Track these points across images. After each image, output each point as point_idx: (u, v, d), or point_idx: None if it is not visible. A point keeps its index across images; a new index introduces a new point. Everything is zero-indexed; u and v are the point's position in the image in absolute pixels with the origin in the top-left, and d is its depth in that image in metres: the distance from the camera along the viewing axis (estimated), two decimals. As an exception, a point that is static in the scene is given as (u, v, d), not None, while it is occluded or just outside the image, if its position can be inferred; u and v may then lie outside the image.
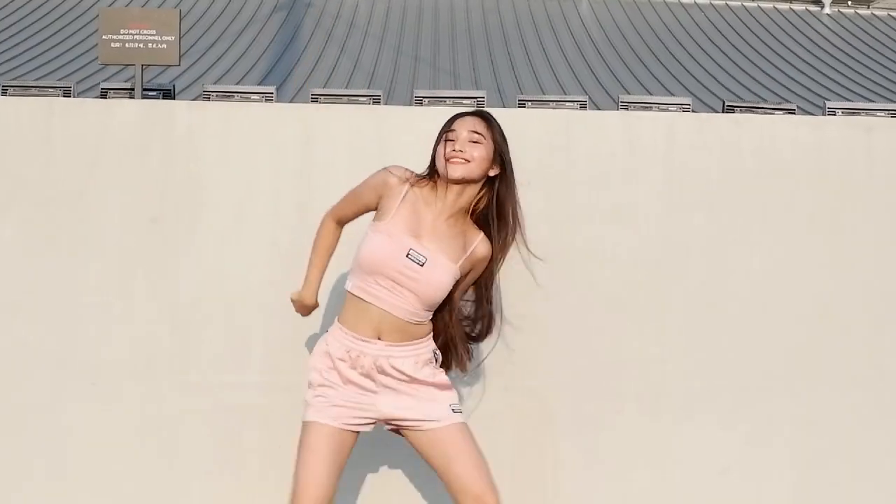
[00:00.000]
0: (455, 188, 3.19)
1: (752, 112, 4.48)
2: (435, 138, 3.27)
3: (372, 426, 3.26)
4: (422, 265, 3.13)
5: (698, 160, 4.12)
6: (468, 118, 3.23)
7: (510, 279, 4.02)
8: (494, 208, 3.24)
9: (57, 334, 4.03)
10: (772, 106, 4.69)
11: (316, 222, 4.03)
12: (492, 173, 3.22)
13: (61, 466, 4.00)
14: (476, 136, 3.18)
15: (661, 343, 4.08)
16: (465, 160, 3.15)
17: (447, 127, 3.23)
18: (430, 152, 3.27)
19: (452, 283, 3.20)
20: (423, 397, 3.19)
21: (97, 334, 4.02)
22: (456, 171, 3.15)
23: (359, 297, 3.20)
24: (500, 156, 3.22)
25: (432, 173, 3.25)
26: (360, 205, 3.34)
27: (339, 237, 3.42)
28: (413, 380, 3.19)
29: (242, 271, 4.05)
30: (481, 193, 3.25)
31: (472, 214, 3.27)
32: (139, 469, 3.99)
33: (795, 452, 4.09)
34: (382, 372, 3.19)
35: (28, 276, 4.02)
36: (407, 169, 3.27)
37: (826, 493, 4.09)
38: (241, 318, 4.03)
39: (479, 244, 3.25)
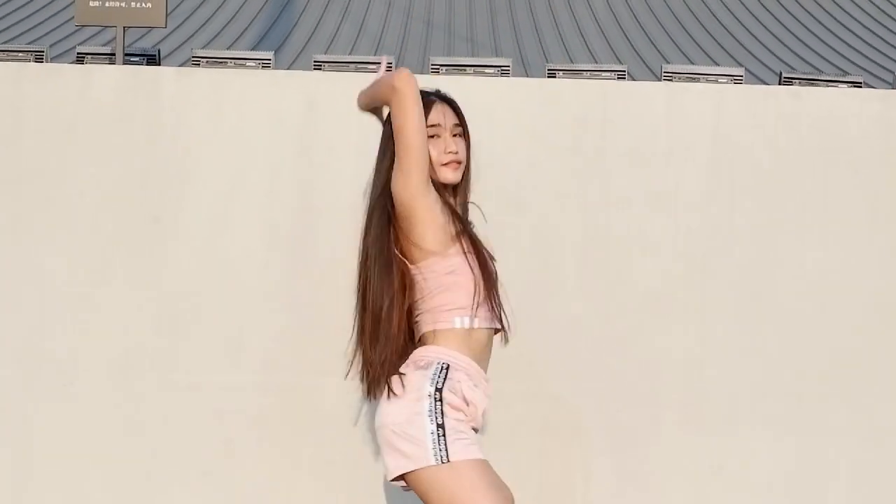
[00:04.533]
0: (450, 188, 3.09)
1: (813, 85, 4.45)
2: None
3: None
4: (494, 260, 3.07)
5: (750, 138, 4.10)
6: (446, 109, 3.12)
7: (534, 272, 4.01)
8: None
9: (26, 328, 4.03)
10: (834, 78, 4.66)
11: (318, 203, 4.04)
12: None
13: (30, 474, 4.01)
14: (458, 129, 3.11)
15: (705, 344, 4.06)
16: (459, 162, 3.06)
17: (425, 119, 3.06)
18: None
19: None
20: None
21: (71, 328, 4.03)
22: (454, 175, 3.05)
23: (480, 328, 3.03)
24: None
25: None
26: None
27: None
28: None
29: (235, 258, 4.05)
30: None
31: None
32: (117, 478, 4.00)
33: (855, 467, 4.07)
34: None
35: (-5, 262, 4.04)
36: None
37: (891, 516, 4.08)
38: (233, 311, 4.03)
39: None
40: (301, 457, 4.01)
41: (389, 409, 2.93)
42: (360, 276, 3.06)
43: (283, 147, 4.06)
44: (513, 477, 3.80)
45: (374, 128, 4.04)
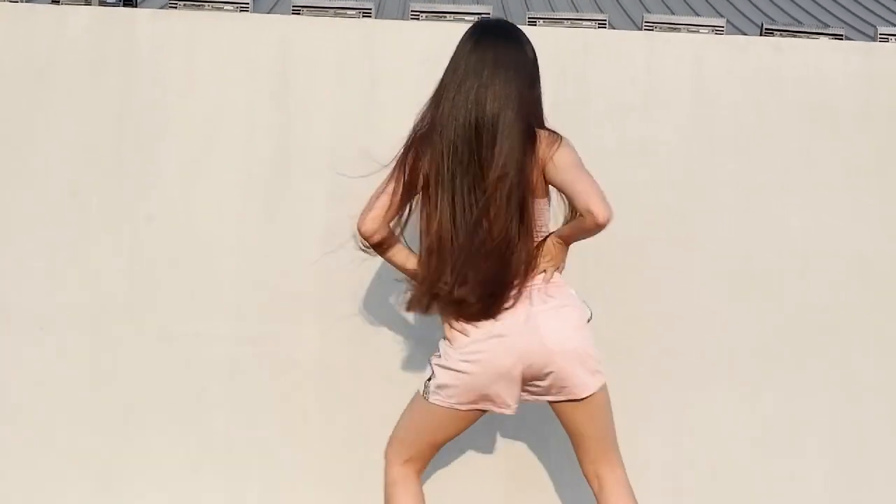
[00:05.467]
0: None
1: (794, 37, 4.42)
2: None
3: None
4: None
5: (730, 90, 4.08)
6: None
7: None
8: None
9: (-2, 273, 3.99)
10: (816, 31, 4.62)
11: (296, 150, 4.00)
12: None
13: (2, 422, 3.98)
14: None
15: (683, 300, 4.06)
16: None
17: None
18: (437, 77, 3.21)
19: None
20: None
21: (44, 276, 3.99)
22: None
23: None
24: None
25: None
26: None
27: None
28: None
29: (211, 207, 4.01)
30: None
31: None
32: (90, 427, 3.99)
33: (832, 424, 4.09)
34: None
35: (-35, 207, 3.99)
36: None
37: (869, 473, 4.09)
38: (207, 259, 4.00)
39: None
40: (275, 406, 3.99)
41: (584, 333, 3.20)
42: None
43: (259, 92, 4.02)
44: (488, 425, 3.81)
45: (353, 74, 4.02)
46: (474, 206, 3.05)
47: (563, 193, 3.16)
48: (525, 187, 3.07)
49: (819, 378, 4.08)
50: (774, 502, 4.06)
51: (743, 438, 4.06)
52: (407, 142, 3.16)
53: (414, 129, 3.16)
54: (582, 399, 3.18)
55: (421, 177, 3.12)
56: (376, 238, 3.20)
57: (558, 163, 3.10)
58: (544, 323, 3.13)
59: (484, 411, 3.24)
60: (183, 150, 4.01)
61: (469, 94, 3.06)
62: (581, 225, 3.09)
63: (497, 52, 3.10)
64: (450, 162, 3.06)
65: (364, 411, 3.95)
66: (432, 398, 3.21)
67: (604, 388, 3.21)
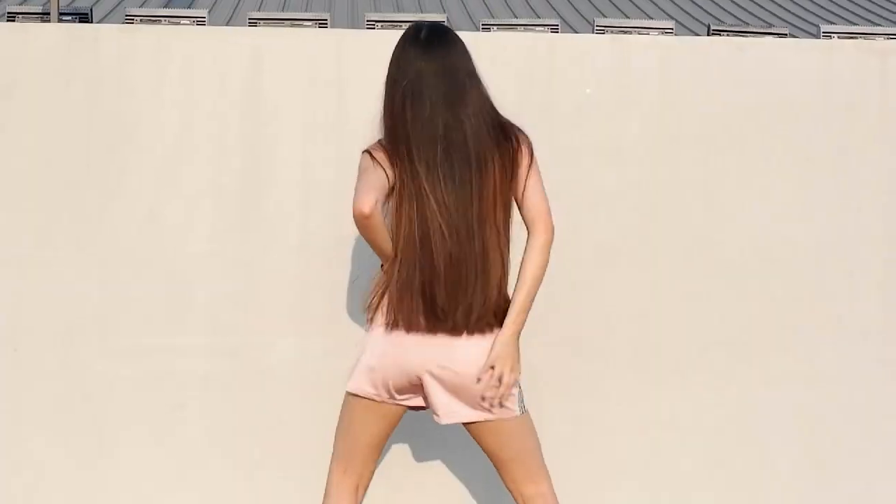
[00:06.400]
0: None
1: (742, 37, 4.49)
2: None
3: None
4: None
5: (695, 91, 4.12)
6: None
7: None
8: None
9: (-30, 291, 3.96)
10: (761, 30, 4.69)
11: (267, 158, 4.00)
12: None
13: (-22, 440, 3.96)
14: None
15: (655, 296, 4.10)
16: None
17: None
18: None
19: None
20: None
21: (15, 291, 3.97)
22: None
23: None
24: None
25: None
26: None
27: None
28: None
29: (181, 220, 4.00)
30: None
31: None
32: (64, 444, 3.96)
33: (799, 413, 4.14)
34: None
35: (-65, 226, 3.95)
36: None
37: (834, 459, 4.15)
38: (179, 273, 3.99)
39: None
40: (250, 418, 3.99)
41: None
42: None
43: (227, 104, 4.01)
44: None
45: (321, 83, 4.02)
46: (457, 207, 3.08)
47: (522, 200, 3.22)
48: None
49: (786, 368, 4.13)
50: (747, 491, 4.11)
51: (715, 428, 4.11)
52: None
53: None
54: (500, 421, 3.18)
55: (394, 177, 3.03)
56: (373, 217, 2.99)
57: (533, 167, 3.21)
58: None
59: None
60: (152, 163, 3.99)
61: (432, 101, 3.03)
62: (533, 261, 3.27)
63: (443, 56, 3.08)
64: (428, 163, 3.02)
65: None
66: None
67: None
